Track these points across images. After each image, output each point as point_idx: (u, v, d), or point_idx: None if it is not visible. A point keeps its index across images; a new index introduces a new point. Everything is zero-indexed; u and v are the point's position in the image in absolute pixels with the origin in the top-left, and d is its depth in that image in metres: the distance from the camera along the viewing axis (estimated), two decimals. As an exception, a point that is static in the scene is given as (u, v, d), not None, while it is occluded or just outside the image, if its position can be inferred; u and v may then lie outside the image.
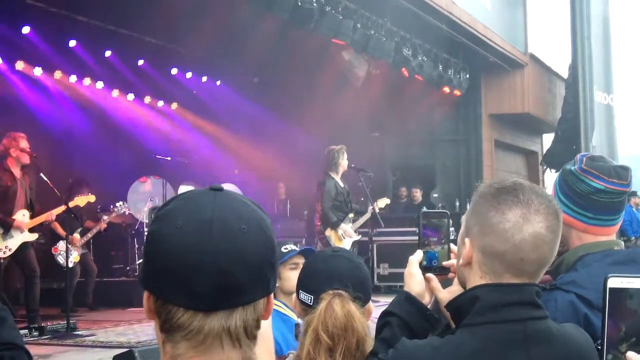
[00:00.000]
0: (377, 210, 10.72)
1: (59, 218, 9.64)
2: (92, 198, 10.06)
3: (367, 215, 10.77)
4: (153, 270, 1.33)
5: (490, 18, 15.36)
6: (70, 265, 10.43)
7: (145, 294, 1.36)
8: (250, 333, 1.36)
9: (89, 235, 11.08)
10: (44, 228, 9.91)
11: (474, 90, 16.66)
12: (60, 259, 10.47)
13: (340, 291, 2.26)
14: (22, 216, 8.83)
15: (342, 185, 10.35)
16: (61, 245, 10.50)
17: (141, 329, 8.84)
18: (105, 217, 11.43)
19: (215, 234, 1.29)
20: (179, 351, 1.33)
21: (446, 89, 15.09)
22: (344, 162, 10.34)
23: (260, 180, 15.01)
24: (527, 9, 18.06)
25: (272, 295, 1.40)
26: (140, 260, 12.58)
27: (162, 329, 1.34)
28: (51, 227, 10.49)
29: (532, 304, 1.83)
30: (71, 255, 10.43)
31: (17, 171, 8.85)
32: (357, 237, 10.60)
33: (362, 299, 2.30)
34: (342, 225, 10.25)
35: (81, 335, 8.32)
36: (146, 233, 1.32)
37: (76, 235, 10.66)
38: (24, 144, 8.79)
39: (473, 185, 15.94)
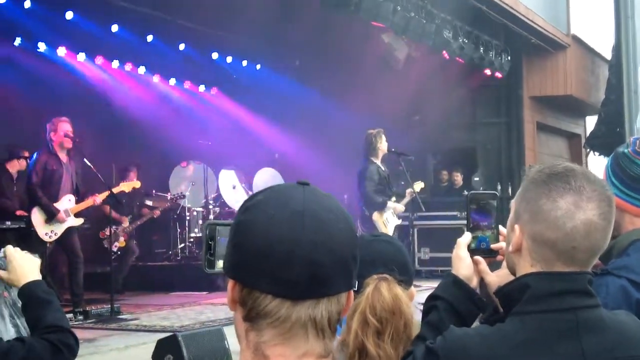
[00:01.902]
0: (416, 193, 10.64)
1: (110, 205, 9.80)
2: (137, 184, 10.17)
3: (406, 199, 10.70)
4: (243, 258, 1.36)
5: (532, -1, 15.17)
6: (115, 249, 10.67)
7: (230, 284, 1.39)
8: (333, 325, 1.39)
9: (138, 222, 11.36)
10: (90, 213, 10.02)
11: (516, 72, 16.46)
12: (106, 243, 10.65)
13: (385, 275, 2.26)
14: (67, 201, 8.96)
15: (383, 169, 10.32)
16: (107, 230, 10.69)
17: (184, 313, 8.94)
18: (150, 203, 11.71)
19: (307, 225, 1.33)
20: (263, 338, 1.35)
21: (487, 71, 14.94)
22: (382, 146, 10.30)
23: (300, 165, 15.00)
24: (570, -11, 17.78)
25: (352, 290, 1.42)
26: (182, 245, 12.71)
27: (246, 318, 1.37)
28: (103, 212, 10.69)
29: (585, 292, 1.80)
30: (117, 241, 10.68)
31: (63, 156, 8.98)
32: (401, 207, 10.55)
33: (407, 282, 2.30)
34: (389, 203, 10.23)
35: (125, 319, 8.42)
36: (235, 223, 1.36)
37: (125, 223, 10.91)
38: (66, 127, 8.90)
39: (516, 171, 15.84)
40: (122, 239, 10.97)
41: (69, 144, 8.93)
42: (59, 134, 8.86)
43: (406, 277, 2.31)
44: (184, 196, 12.75)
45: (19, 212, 9.72)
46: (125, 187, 9.86)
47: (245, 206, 1.41)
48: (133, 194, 11.60)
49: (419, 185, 10.93)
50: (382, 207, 10.13)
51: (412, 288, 2.36)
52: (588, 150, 18.35)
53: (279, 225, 1.33)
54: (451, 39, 13.22)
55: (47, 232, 8.75)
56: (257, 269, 1.33)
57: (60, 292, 9.08)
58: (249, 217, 1.37)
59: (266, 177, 13.77)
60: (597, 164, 18.14)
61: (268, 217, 1.34)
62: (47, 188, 8.86)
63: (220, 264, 1.59)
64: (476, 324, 2.12)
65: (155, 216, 12.03)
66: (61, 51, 12.06)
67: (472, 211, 2.20)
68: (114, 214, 10.67)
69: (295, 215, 1.34)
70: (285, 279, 1.32)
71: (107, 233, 10.68)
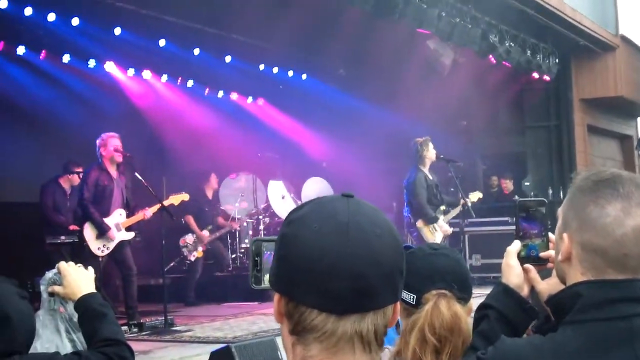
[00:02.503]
0: (469, 205, 10.57)
1: (194, 212, 10.57)
2: (185, 197, 10.22)
3: (459, 209, 10.63)
4: (288, 272, 1.35)
5: (579, 0, 14.98)
6: (192, 259, 11.05)
7: (276, 297, 1.39)
8: (380, 338, 1.37)
9: (217, 234, 11.64)
10: (141, 226, 10.16)
11: (564, 74, 16.26)
12: (185, 251, 10.97)
13: (444, 291, 2.23)
14: (118, 215, 9.07)
15: (430, 177, 10.26)
16: (189, 238, 11.03)
17: (237, 324, 8.97)
18: (237, 218, 12.07)
19: (351, 237, 1.32)
20: (310, 353, 1.35)
21: (535, 75, 14.79)
22: (429, 154, 10.24)
23: (348, 173, 15.00)
24: (617, -11, 17.53)
25: (399, 302, 1.41)
26: (233, 256, 12.78)
27: (292, 332, 1.37)
28: (185, 222, 11.07)
29: (638, 300, 1.76)
30: (195, 250, 10.97)
31: (113, 171, 9.09)
32: (450, 231, 10.49)
33: (466, 299, 2.27)
34: (440, 221, 10.15)
35: (179, 331, 8.48)
36: (279, 236, 1.38)
37: (205, 232, 11.28)
38: (115, 142, 9.02)
39: (567, 175, 15.60)
40: (200, 249, 11.23)
41: (119, 158, 9.05)
42: (108, 149, 8.99)
43: (465, 294, 2.28)
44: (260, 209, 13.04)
45: (72, 227, 9.91)
46: (175, 200, 9.91)
47: (289, 219, 1.40)
48: (212, 204, 12.07)
49: (476, 196, 10.86)
50: (432, 222, 10.06)
51: (471, 301, 2.33)
52: (641, 152, 18.06)
53: (322, 238, 1.32)
54: (497, 43, 13.11)
55: (99, 246, 8.88)
56: (301, 282, 1.32)
57: (115, 304, 9.18)
58: (293, 230, 1.36)
59: (315, 187, 13.79)
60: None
61: (312, 229, 1.33)
62: (99, 203, 8.98)
63: (267, 279, 1.59)
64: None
65: (233, 230, 12.29)
66: (110, 67, 12.24)
67: (521, 219, 2.19)
68: (195, 227, 11.12)
69: (340, 227, 1.32)
70: (329, 293, 1.30)
71: (187, 241, 11.00)
